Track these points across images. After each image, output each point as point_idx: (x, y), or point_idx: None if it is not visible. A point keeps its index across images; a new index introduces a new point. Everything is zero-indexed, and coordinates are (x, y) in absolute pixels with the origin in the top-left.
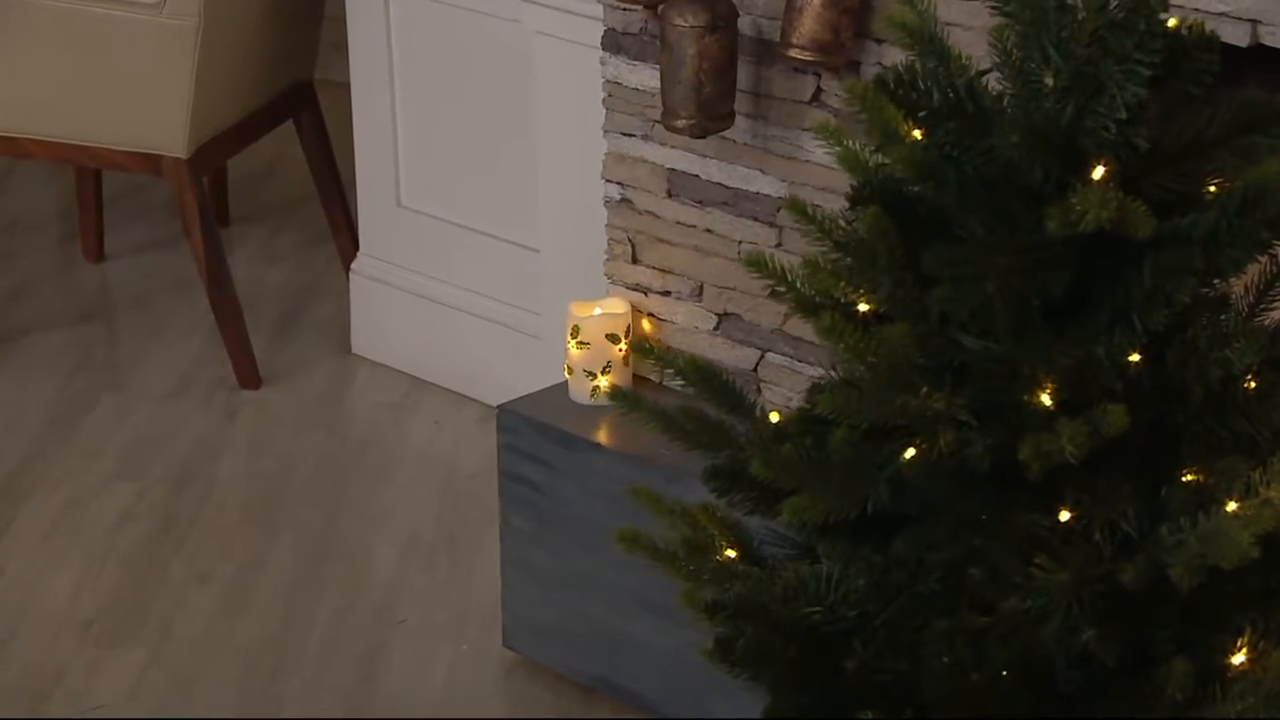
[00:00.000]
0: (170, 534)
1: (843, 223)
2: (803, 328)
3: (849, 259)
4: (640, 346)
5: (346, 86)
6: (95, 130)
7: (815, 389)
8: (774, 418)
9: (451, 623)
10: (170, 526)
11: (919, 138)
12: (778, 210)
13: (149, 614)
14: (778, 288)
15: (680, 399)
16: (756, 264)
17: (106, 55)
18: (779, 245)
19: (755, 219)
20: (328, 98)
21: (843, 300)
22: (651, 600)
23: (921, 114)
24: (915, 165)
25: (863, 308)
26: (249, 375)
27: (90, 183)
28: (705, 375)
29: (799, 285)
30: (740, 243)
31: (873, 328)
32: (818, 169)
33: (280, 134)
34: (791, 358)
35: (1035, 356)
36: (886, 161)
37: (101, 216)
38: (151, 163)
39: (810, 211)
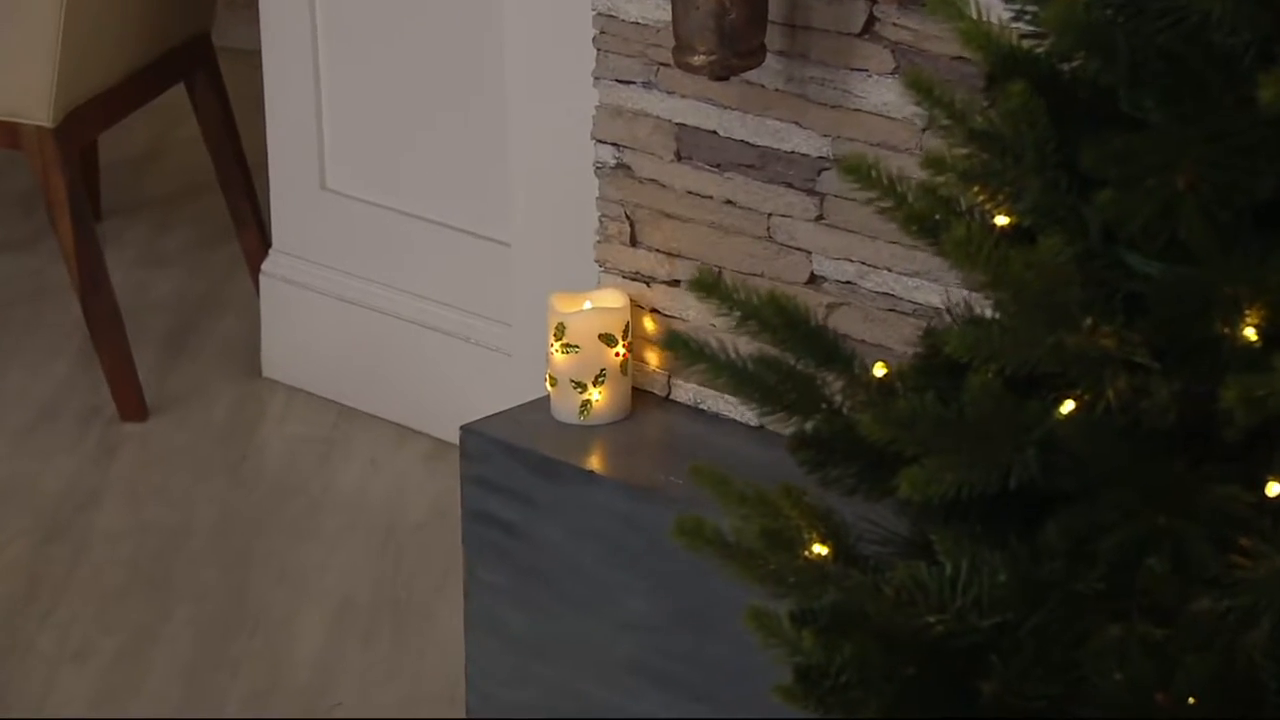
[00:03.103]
0: (35, 600)
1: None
2: (851, 322)
3: (983, 157)
4: (704, 281)
5: (246, 53)
6: None
7: (932, 332)
8: (879, 370)
9: (400, 706)
10: (35, 591)
11: None
12: (818, 173)
13: (10, 699)
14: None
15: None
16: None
17: None
18: (820, 218)
19: (789, 185)
20: (223, 67)
21: (972, 212)
22: (658, 669)
23: None
24: (1074, 29)
25: (1000, 221)
26: (132, 404)
27: None
28: (791, 318)
29: (911, 199)
30: (769, 216)
31: (1014, 248)
32: (871, 119)
33: (161, 111)
34: None
35: (1238, 275)
36: (1032, 31)
37: None
38: (8, 133)
39: (937, 91)
